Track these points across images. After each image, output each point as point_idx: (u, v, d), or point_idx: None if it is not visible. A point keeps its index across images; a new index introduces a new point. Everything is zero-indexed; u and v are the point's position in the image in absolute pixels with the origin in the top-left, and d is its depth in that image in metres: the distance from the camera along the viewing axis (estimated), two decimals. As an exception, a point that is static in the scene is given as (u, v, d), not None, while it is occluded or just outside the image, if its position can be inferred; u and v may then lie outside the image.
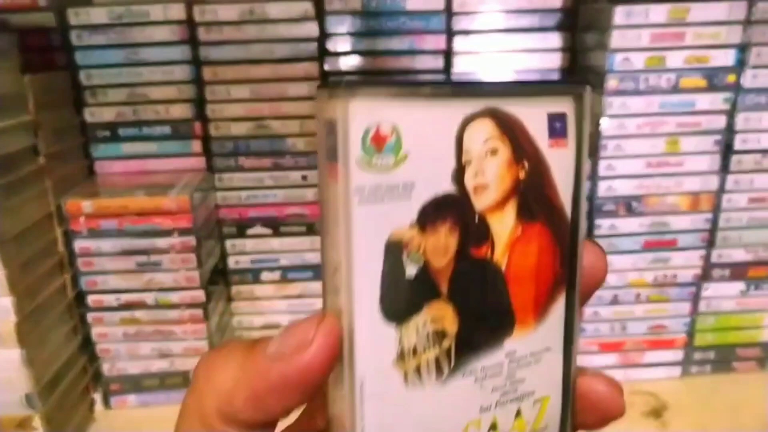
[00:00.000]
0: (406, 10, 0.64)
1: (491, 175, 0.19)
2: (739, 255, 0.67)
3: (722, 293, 0.68)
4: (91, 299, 0.64)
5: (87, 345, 0.66)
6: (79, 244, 0.61)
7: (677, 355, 0.71)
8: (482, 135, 0.18)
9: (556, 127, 0.19)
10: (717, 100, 0.61)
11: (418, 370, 0.18)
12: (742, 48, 0.60)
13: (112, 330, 0.65)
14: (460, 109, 0.18)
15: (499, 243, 0.19)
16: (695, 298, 0.68)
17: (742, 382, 0.71)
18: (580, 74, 0.66)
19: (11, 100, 0.55)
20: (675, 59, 0.60)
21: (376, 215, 0.17)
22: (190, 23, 0.63)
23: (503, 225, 0.19)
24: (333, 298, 0.17)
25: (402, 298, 0.18)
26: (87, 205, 0.60)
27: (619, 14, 0.58)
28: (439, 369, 0.19)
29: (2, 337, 0.53)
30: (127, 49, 0.64)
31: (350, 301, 0.17)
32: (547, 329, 0.20)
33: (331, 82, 0.17)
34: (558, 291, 0.20)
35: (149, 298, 0.64)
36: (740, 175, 0.64)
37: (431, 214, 0.18)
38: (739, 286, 0.68)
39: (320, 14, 0.64)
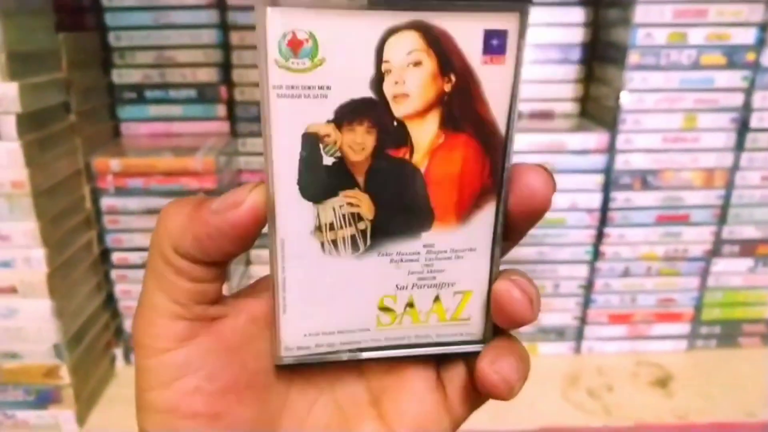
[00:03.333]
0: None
1: (413, 86, 0.20)
2: (750, 232, 0.68)
3: (731, 269, 0.70)
4: (115, 257, 0.65)
5: (110, 301, 0.68)
6: (105, 202, 0.63)
7: (684, 328, 0.72)
8: (405, 47, 0.19)
9: (493, 44, 0.20)
10: (736, 78, 0.62)
11: (334, 242, 0.21)
12: (763, 27, 0.61)
13: (135, 287, 0.67)
14: (382, 20, 0.19)
15: (420, 148, 0.21)
16: (704, 273, 0.70)
17: (746, 357, 0.72)
18: (604, 48, 0.67)
19: (46, 56, 0.56)
20: (696, 36, 0.61)
21: (293, 109, 0.19)
22: (218, -13, 0.64)
23: (424, 132, 0.21)
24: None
25: (319, 182, 0.20)
26: (115, 163, 0.62)
27: (644, -11, 0.59)
28: (355, 245, 0.22)
29: (34, 288, 0.55)
30: (156, 12, 0.65)
31: (271, 177, 0.20)
32: (471, 232, 0.22)
33: None
34: (485, 200, 0.22)
35: (173, 257, 0.65)
36: (755, 153, 0.65)
37: (347, 114, 0.20)
38: (748, 262, 0.70)
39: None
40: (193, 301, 0.21)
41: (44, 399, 0.59)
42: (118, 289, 0.67)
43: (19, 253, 0.55)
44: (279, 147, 0.20)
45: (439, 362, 0.25)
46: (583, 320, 0.71)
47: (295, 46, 0.19)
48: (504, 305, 0.22)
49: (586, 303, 0.70)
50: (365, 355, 0.23)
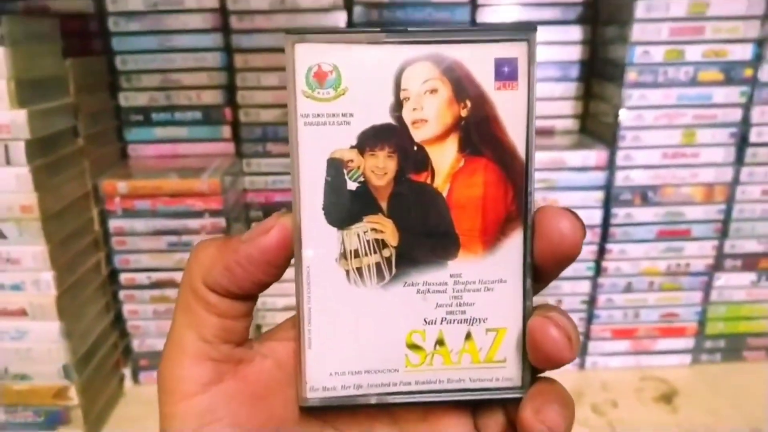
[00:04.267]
0: (432, 1, 0.66)
1: (430, 111, 0.21)
2: (752, 246, 0.68)
3: (734, 283, 0.70)
4: (123, 277, 0.66)
5: (118, 321, 0.68)
6: (113, 224, 0.64)
7: (688, 343, 0.72)
8: (421, 76, 0.21)
9: (504, 71, 0.21)
10: (734, 94, 0.63)
11: (359, 271, 0.22)
12: (760, 43, 0.61)
13: (143, 307, 0.68)
14: (399, 53, 0.21)
15: (440, 172, 0.22)
16: (707, 288, 0.70)
17: (751, 371, 0.72)
18: (603, 65, 0.68)
19: (54, 82, 0.57)
20: (693, 53, 0.61)
21: (319, 136, 0.21)
22: (222, 12, 0.66)
23: (444, 156, 0.21)
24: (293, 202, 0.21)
25: (343, 208, 0.21)
26: (122, 185, 0.63)
27: (640, 8, 0.60)
28: (380, 274, 0.22)
29: (43, 310, 0.56)
30: (161, 36, 0.66)
31: (298, 204, 0.21)
32: (499, 261, 0.22)
33: (289, 31, 0.20)
34: (511, 227, 0.22)
35: (179, 277, 0.66)
36: (755, 167, 0.65)
37: (369, 140, 0.21)
38: (751, 276, 0.70)
39: (348, 4, 0.66)
40: (220, 339, 0.21)
41: (54, 420, 0.60)
42: (126, 309, 0.68)
43: (29, 276, 0.56)
44: (305, 172, 0.21)
45: (474, 408, 0.24)
46: (586, 336, 0.72)
47: (320, 77, 0.21)
48: (540, 344, 0.21)
49: (590, 318, 0.71)
50: (394, 399, 0.23)
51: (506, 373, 0.23)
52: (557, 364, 0.21)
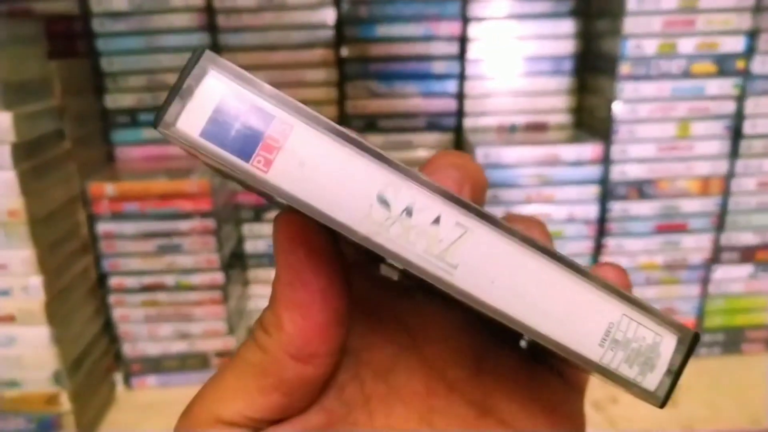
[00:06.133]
0: (422, -4, 0.65)
1: None
2: (748, 238, 0.68)
3: (731, 276, 0.70)
4: (112, 281, 0.65)
5: (109, 326, 0.67)
6: (101, 227, 0.63)
7: (686, 336, 0.72)
8: None
9: None
10: (727, 86, 0.62)
11: None
12: (752, 34, 0.61)
13: (134, 312, 0.67)
14: None
15: None
16: (705, 281, 0.70)
17: (750, 364, 0.72)
18: (596, 59, 0.67)
19: (39, 85, 0.57)
20: (686, 45, 0.61)
21: None
22: (209, 10, 0.65)
23: None
24: None
25: None
26: (110, 188, 0.62)
27: (632, 0, 0.59)
28: None
29: (32, 315, 0.55)
30: (147, 37, 0.65)
31: None
32: None
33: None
34: None
35: (170, 280, 0.65)
36: (749, 159, 0.65)
37: None
38: (748, 269, 0.69)
39: (337, 0, 0.65)
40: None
41: (45, 426, 0.59)
42: (116, 313, 0.67)
43: (17, 282, 0.55)
44: None
45: None
46: (584, 331, 0.71)
47: None
48: None
49: (587, 314, 0.70)
50: None
51: None
52: None
